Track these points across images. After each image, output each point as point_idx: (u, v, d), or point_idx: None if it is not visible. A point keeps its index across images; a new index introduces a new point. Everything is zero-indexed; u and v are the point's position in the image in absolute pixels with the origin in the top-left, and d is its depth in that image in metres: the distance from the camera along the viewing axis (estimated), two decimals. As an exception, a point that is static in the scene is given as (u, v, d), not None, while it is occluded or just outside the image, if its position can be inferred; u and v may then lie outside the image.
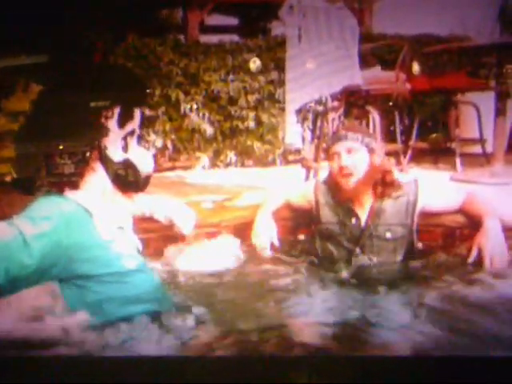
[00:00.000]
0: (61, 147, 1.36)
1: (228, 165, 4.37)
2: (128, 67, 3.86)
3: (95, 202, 1.37)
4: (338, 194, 1.90)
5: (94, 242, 1.32)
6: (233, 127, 4.42)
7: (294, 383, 0.88)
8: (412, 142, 3.79)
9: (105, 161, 1.41)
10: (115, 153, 1.42)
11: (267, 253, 1.97)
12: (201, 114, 4.36)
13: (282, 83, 4.14)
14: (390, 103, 3.65)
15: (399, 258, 1.89)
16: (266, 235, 2.03)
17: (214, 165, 4.34)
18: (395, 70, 3.60)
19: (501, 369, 0.87)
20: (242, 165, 4.39)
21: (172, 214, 1.93)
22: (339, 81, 3.43)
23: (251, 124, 4.41)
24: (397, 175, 1.92)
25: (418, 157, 3.86)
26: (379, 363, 0.95)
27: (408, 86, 3.59)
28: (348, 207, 1.90)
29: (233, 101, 4.42)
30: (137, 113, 1.48)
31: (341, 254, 1.91)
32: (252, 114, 4.42)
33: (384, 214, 1.87)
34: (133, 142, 1.47)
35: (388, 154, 2.26)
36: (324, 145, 3.76)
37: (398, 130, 3.67)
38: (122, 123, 1.44)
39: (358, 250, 1.89)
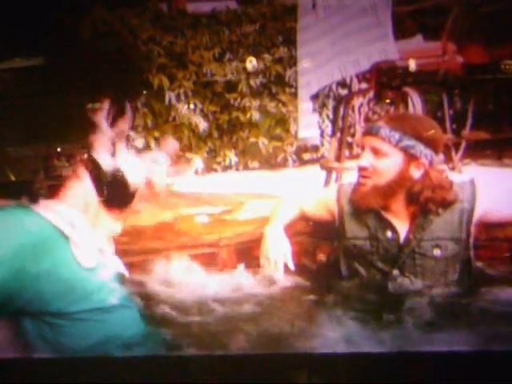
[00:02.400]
0: (58, 149, 1.49)
1: (227, 168, 4.39)
2: (120, 49, 3.78)
3: (75, 218, 1.40)
4: (362, 198, 1.90)
5: (70, 270, 1.34)
6: (232, 120, 4.42)
7: (293, 383, 1.00)
8: (466, 132, 3.69)
9: (93, 166, 1.44)
10: (104, 158, 1.45)
11: (279, 276, 1.96)
12: (191, 105, 4.37)
13: (293, 62, 4.15)
14: (436, 82, 3.57)
15: (451, 281, 1.86)
16: (279, 254, 2.01)
17: (209, 168, 4.35)
18: (442, 38, 3.52)
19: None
20: (245, 167, 4.42)
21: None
22: (367, 56, 3.40)
23: (255, 115, 4.39)
24: (450, 186, 1.86)
25: (476, 150, 3.79)
26: (380, 362, 1.08)
27: (459, 59, 3.54)
28: (381, 217, 1.88)
29: (231, 86, 4.42)
30: (128, 109, 1.53)
31: (373, 277, 1.89)
32: (256, 103, 4.40)
33: (430, 225, 1.85)
34: (122, 146, 1.50)
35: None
36: (349, 139, 3.62)
37: (447, 117, 3.56)
38: (111, 120, 1.48)
39: (395, 271, 1.86)
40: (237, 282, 1.90)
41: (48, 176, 1.44)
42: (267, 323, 1.69)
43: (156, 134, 4.26)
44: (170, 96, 4.31)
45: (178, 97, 4.33)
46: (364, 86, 3.63)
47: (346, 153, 3.32)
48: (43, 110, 1.52)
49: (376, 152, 1.80)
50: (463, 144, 3.66)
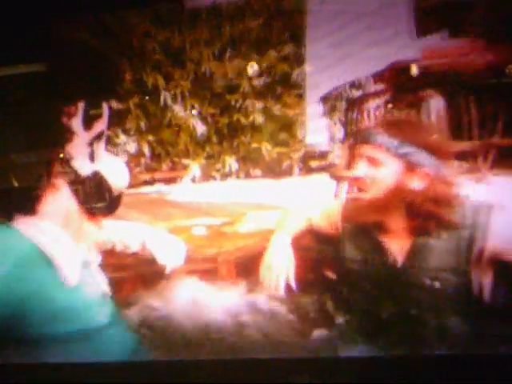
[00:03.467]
0: (61, 155, 1.49)
1: (227, 175, 4.39)
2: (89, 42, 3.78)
3: (56, 234, 1.43)
4: (357, 214, 1.91)
5: (56, 290, 1.39)
6: (233, 123, 4.44)
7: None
8: (497, 138, 3.59)
9: (70, 175, 1.47)
10: (82, 163, 1.49)
11: (280, 293, 1.97)
12: (188, 106, 4.39)
13: (300, 60, 4.16)
14: (461, 84, 3.50)
15: (452, 319, 1.78)
16: (282, 269, 2.01)
17: (207, 176, 4.35)
18: (469, 35, 3.48)
19: None
20: (247, 175, 4.42)
21: (153, 243, 1.96)
22: (384, 54, 3.37)
23: (258, 118, 4.40)
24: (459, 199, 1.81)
25: (508, 159, 3.62)
26: (379, 364, 1.20)
27: (488, 58, 3.46)
28: (375, 239, 1.88)
29: (232, 87, 4.44)
30: (105, 108, 1.57)
31: (366, 304, 1.88)
32: (259, 105, 4.41)
33: (430, 252, 1.80)
34: (101, 147, 1.55)
35: (459, 156, 2.20)
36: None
37: (474, 122, 3.52)
38: (87, 123, 1.52)
39: (388, 301, 1.84)
40: (237, 304, 1.94)
41: (61, 164, 1.50)
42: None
43: (150, 137, 4.31)
44: (165, 96, 4.34)
45: (174, 97, 4.36)
46: (380, 87, 3.59)
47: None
48: (45, 115, 1.60)
49: (372, 161, 1.79)
50: (492, 152, 3.61)
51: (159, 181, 4.21)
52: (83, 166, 1.50)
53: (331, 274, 2.12)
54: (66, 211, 1.48)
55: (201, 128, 4.34)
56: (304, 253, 2.13)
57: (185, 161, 4.30)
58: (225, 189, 4.03)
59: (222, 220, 2.50)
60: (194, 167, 4.27)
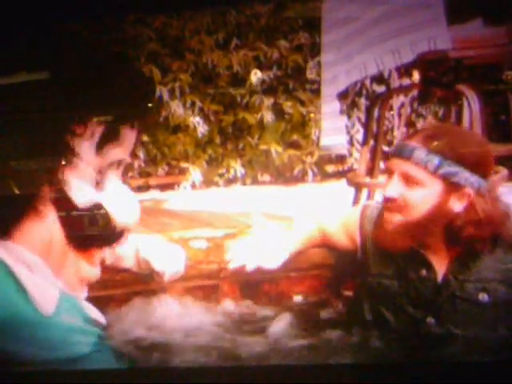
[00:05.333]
0: (64, 163, 1.50)
1: (231, 181, 4.43)
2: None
3: (33, 262, 1.45)
4: (387, 237, 1.91)
5: (31, 319, 1.41)
6: (238, 122, 4.49)
7: None
8: None
9: (62, 204, 1.48)
10: (80, 191, 1.49)
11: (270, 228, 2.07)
12: (188, 103, 4.42)
13: (315, 51, 4.18)
14: (499, 79, 3.42)
15: (502, 332, 1.81)
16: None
17: (209, 181, 4.39)
18: (507, 22, 3.36)
19: None
20: (254, 181, 4.46)
21: (147, 250, 1.96)
22: (412, 44, 3.32)
23: (267, 117, 4.44)
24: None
25: None
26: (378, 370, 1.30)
27: None
28: (414, 251, 1.88)
29: (238, 80, 4.49)
30: (132, 133, 1.57)
31: (402, 324, 1.89)
32: (268, 101, 4.46)
33: (477, 262, 1.84)
34: (114, 177, 1.56)
35: (497, 160, 2.11)
36: (385, 148, 3.60)
37: None
38: (101, 147, 1.51)
39: (430, 319, 1.85)
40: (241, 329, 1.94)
41: (52, 189, 1.50)
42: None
43: (144, 137, 4.28)
44: (161, 91, 4.37)
45: (171, 92, 4.41)
46: (406, 81, 3.55)
47: (381, 165, 3.22)
48: (46, 124, 1.60)
49: (408, 180, 1.78)
50: (536, 156, 3.65)
51: (154, 187, 4.21)
52: (81, 195, 1.50)
53: (351, 293, 2.13)
54: (47, 242, 1.49)
55: (202, 127, 4.37)
56: (317, 271, 2.17)
57: (183, 164, 4.32)
58: (228, 197, 4.02)
59: (225, 232, 2.42)
60: (194, 172, 4.29)
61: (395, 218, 1.82)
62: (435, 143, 1.78)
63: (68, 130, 1.49)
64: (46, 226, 1.49)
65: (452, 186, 1.76)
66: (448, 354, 1.80)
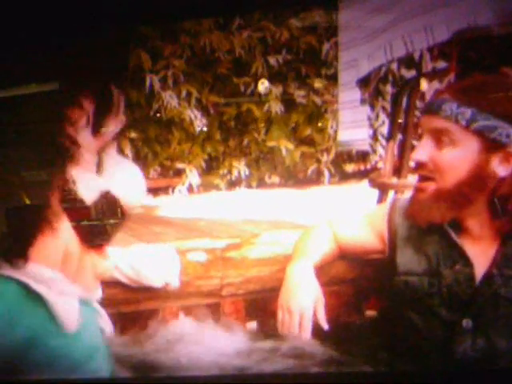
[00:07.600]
0: (65, 186, 1.57)
1: (234, 184, 4.48)
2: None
3: (51, 277, 1.52)
4: (420, 210, 1.89)
5: (52, 336, 1.49)
6: (242, 115, 4.48)
7: None
8: None
9: (72, 208, 1.54)
10: (87, 189, 1.55)
11: (305, 338, 1.92)
12: (183, 93, 4.37)
13: (331, 30, 4.10)
14: None
15: None
16: (305, 304, 1.97)
17: (208, 184, 4.43)
18: None
19: None
20: (260, 183, 4.53)
21: (139, 260, 2.01)
22: (447, 20, 3.33)
23: (276, 108, 4.41)
24: None
25: None
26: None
27: None
28: (449, 240, 1.86)
29: (242, 66, 4.48)
30: (117, 96, 1.61)
31: (435, 330, 1.85)
32: (277, 90, 4.46)
33: None
34: (111, 153, 1.61)
35: None
36: (415, 143, 3.70)
37: None
38: (97, 124, 1.57)
39: (466, 322, 1.81)
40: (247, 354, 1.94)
41: (64, 200, 1.58)
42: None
43: (132, 134, 4.28)
44: (151, 80, 4.36)
45: (163, 81, 4.38)
46: (441, 64, 3.54)
47: (411, 163, 3.29)
48: (56, 135, 1.68)
49: (438, 139, 1.77)
50: None
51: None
52: (89, 192, 1.58)
53: (374, 312, 2.15)
54: (64, 252, 1.58)
55: (199, 121, 4.38)
56: (336, 287, 2.15)
57: (178, 165, 4.33)
58: (231, 201, 4.06)
59: (227, 242, 2.39)
60: (191, 173, 4.32)
61: (428, 187, 1.81)
62: (468, 94, 1.76)
63: (65, 118, 1.56)
64: (61, 236, 1.57)
65: (491, 145, 1.73)
66: (486, 367, 1.78)
